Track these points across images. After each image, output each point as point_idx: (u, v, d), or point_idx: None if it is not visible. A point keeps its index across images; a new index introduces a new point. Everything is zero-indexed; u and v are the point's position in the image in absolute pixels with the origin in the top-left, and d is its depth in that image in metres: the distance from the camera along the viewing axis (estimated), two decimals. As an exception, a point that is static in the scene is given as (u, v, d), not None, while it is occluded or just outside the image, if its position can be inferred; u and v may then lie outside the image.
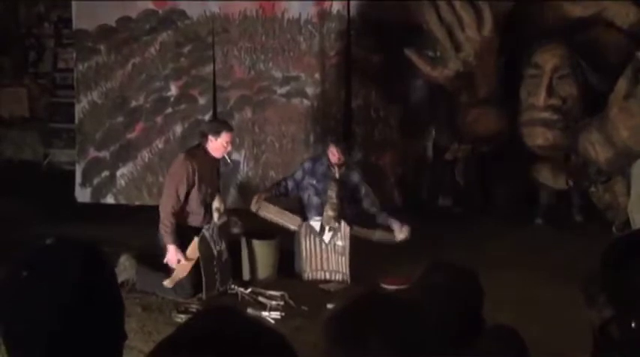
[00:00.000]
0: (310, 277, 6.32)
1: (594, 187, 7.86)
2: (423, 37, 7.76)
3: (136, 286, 5.92)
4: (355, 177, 6.54)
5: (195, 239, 5.83)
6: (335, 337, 1.74)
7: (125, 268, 5.99)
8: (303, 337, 3.92)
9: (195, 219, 6.01)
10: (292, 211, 6.55)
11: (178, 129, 8.34)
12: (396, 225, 6.35)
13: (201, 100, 8.34)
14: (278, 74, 8.28)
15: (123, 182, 8.41)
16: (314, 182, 6.46)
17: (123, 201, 8.41)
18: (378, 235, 6.42)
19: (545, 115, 7.50)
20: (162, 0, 8.28)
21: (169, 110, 8.35)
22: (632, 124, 6.82)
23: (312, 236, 6.32)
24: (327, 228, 6.28)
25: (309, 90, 8.27)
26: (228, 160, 6.61)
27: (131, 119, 8.38)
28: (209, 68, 8.30)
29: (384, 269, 6.16)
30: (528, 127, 7.61)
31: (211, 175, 6.09)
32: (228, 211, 6.36)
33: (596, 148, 7.15)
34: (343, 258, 6.26)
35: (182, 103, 8.34)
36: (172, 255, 5.80)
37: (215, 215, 6.04)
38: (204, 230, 5.90)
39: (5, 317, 1.43)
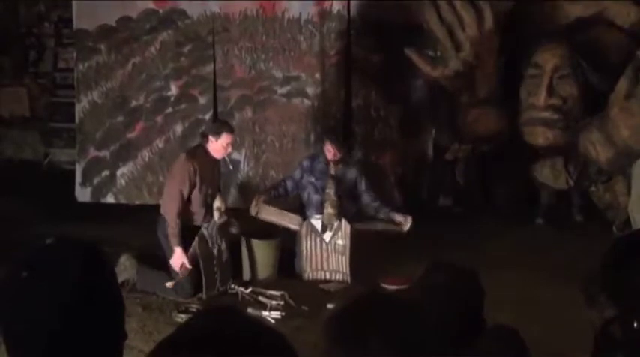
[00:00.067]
0: (310, 277, 6.32)
1: (594, 187, 7.86)
2: (423, 36, 7.76)
3: (136, 286, 5.93)
4: (353, 173, 6.53)
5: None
6: (335, 337, 1.74)
7: (125, 267, 5.99)
8: (303, 337, 3.92)
9: (196, 219, 6.00)
10: (292, 210, 6.56)
11: (179, 128, 8.33)
12: (399, 217, 6.37)
13: (202, 100, 8.34)
14: (278, 74, 8.28)
15: (123, 182, 8.41)
16: (313, 180, 6.46)
17: (123, 201, 8.41)
18: (381, 225, 6.41)
19: (546, 114, 7.49)
20: (162, 0, 8.29)
21: (170, 110, 8.35)
22: (633, 124, 6.82)
23: (312, 235, 6.32)
24: (328, 226, 6.28)
25: (310, 90, 8.27)
26: (229, 163, 6.60)
27: (131, 119, 8.38)
28: (209, 68, 8.29)
29: (385, 269, 6.16)
30: (529, 126, 7.61)
31: (212, 175, 6.09)
32: (228, 211, 6.36)
33: (597, 148, 7.15)
34: (344, 257, 6.26)
35: (182, 103, 8.34)
36: (178, 258, 5.79)
37: (215, 215, 6.04)
38: (202, 229, 5.90)
39: (5, 317, 1.43)
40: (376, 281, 5.94)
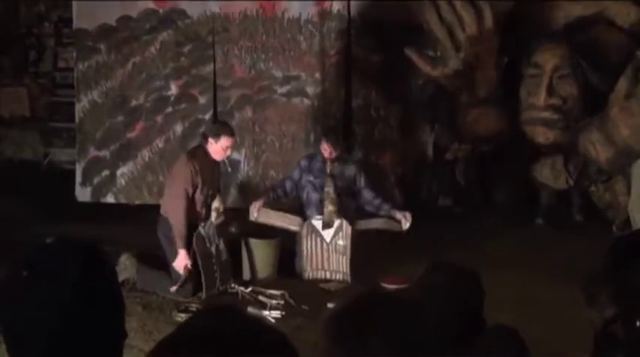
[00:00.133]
0: (311, 277, 6.32)
1: (594, 187, 7.86)
2: (423, 36, 7.76)
3: (136, 285, 5.93)
4: (351, 170, 6.52)
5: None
6: (335, 337, 1.74)
7: (125, 267, 5.99)
8: (303, 337, 3.92)
9: (197, 219, 5.99)
10: (293, 210, 6.55)
11: (179, 128, 8.34)
12: (399, 215, 6.35)
13: (202, 100, 8.34)
14: (278, 74, 8.28)
15: (123, 181, 8.41)
16: (311, 179, 6.46)
17: (123, 200, 8.41)
18: (381, 223, 6.40)
19: (546, 114, 7.49)
20: (162, 0, 8.29)
21: (170, 109, 8.35)
22: (633, 124, 6.82)
23: (313, 235, 6.32)
24: (330, 224, 6.27)
25: (310, 89, 8.27)
26: (227, 165, 6.59)
27: (131, 118, 8.38)
28: (209, 67, 8.30)
29: (385, 269, 6.16)
30: (529, 126, 7.61)
31: (212, 176, 6.07)
32: (229, 211, 6.36)
33: (597, 148, 7.15)
34: (344, 257, 6.26)
35: (182, 103, 8.34)
36: (182, 260, 5.78)
37: (213, 214, 6.03)
38: (200, 228, 5.90)
39: (5, 316, 1.43)
40: (376, 281, 5.93)
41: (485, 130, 7.79)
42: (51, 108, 9.60)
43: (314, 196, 6.43)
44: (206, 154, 5.95)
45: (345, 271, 6.25)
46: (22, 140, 9.63)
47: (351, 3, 8.20)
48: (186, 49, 8.31)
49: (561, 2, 7.78)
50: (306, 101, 8.28)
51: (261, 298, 5.75)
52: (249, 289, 5.90)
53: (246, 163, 8.31)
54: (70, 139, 9.04)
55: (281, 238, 6.38)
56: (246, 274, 6.23)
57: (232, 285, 5.97)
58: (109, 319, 1.47)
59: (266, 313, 5.44)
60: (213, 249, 5.96)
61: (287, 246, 6.39)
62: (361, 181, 6.50)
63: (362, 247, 6.26)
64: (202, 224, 5.93)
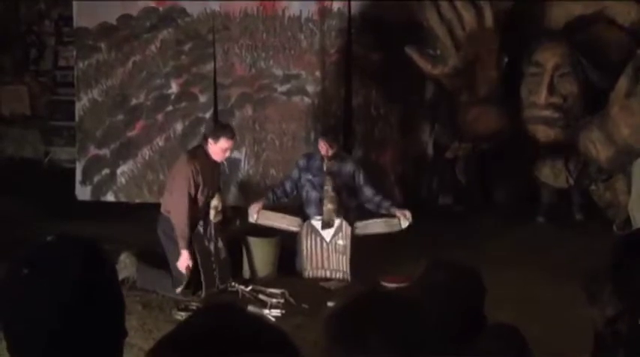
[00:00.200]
0: (311, 275, 6.32)
1: (595, 186, 7.86)
2: (423, 35, 7.75)
3: (136, 284, 5.93)
4: (349, 167, 6.51)
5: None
6: (335, 335, 1.74)
7: (125, 265, 5.99)
8: (303, 335, 3.92)
9: (196, 218, 5.99)
10: (293, 210, 6.55)
11: (179, 127, 8.34)
12: (399, 213, 6.34)
13: (202, 98, 8.34)
14: (279, 72, 8.28)
15: (123, 180, 8.41)
16: (310, 177, 6.46)
17: (123, 199, 8.41)
18: (381, 227, 6.38)
19: (546, 113, 7.49)
20: (162, -2, 8.30)
21: (170, 108, 8.35)
22: (633, 122, 6.82)
23: (313, 235, 6.32)
24: (329, 222, 6.26)
25: (310, 88, 8.27)
26: (226, 167, 6.58)
27: (131, 117, 8.38)
28: (210, 66, 8.30)
29: (385, 268, 6.16)
30: (529, 125, 7.61)
31: (212, 176, 6.06)
32: (230, 209, 6.35)
33: (597, 147, 7.14)
34: (344, 257, 6.26)
35: (183, 101, 8.34)
36: (184, 260, 5.78)
37: (212, 213, 6.03)
38: (198, 226, 5.90)
39: (6, 314, 1.43)
40: (376, 280, 5.93)
41: (486, 129, 7.78)
42: (51, 106, 9.60)
43: (313, 195, 6.43)
44: (206, 154, 5.94)
45: (345, 270, 6.25)
46: (23, 138, 9.63)
47: (352, 2, 8.20)
48: (186, 47, 8.31)
49: (562, 1, 7.78)
50: (307, 100, 8.28)
51: (261, 296, 5.75)
52: (250, 287, 5.91)
53: (246, 162, 8.31)
54: (70, 138, 9.04)
55: (281, 236, 6.38)
56: (247, 273, 6.23)
57: (232, 283, 5.97)
58: (109, 317, 1.47)
59: (266, 311, 5.44)
60: (212, 247, 5.97)
61: (287, 245, 6.39)
62: (360, 179, 6.47)
63: (362, 246, 6.25)
64: (201, 223, 5.93)
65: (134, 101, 8.38)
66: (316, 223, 6.32)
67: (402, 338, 1.70)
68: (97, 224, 6.78)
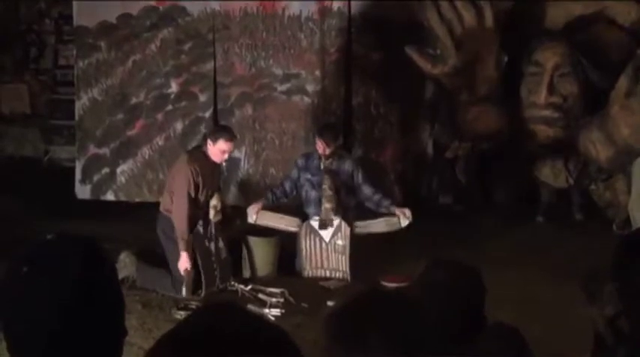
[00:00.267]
0: (310, 275, 6.32)
1: (595, 185, 7.86)
2: (423, 34, 7.75)
3: (136, 283, 5.93)
4: (348, 165, 6.48)
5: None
6: (335, 335, 1.74)
7: (125, 265, 5.99)
8: (303, 334, 3.92)
9: (196, 218, 5.98)
10: (292, 210, 6.54)
11: (179, 126, 8.33)
12: (398, 211, 6.33)
13: (202, 97, 8.33)
14: (278, 71, 8.28)
15: (123, 179, 8.41)
16: (309, 176, 6.45)
17: (123, 198, 8.41)
18: (381, 227, 6.37)
19: (546, 113, 7.49)
20: (162, -3, 8.30)
21: (170, 107, 8.35)
22: (633, 122, 6.82)
23: (312, 235, 6.32)
24: (327, 222, 6.26)
25: (310, 87, 8.27)
26: (224, 169, 6.58)
27: (131, 116, 8.38)
28: (210, 65, 8.29)
29: (384, 267, 6.15)
30: (529, 125, 7.61)
31: (212, 176, 6.06)
32: (231, 209, 6.35)
33: (597, 147, 7.14)
34: (343, 257, 6.26)
35: (182, 100, 8.34)
36: (184, 262, 5.78)
37: (211, 212, 6.03)
38: (198, 226, 5.90)
39: (5, 313, 1.42)
40: (376, 279, 5.93)
41: (486, 129, 7.78)
42: (51, 105, 9.60)
43: (312, 194, 6.42)
44: (206, 155, 5.94)
45: (344, 269, 6.25)
46: (23, 137, 9.63)
47: (352, 1, 8.20)
48: (186, 46, 8.31)
49: (562, 1, 7.78)
50: (307, 99, 8.28)
51: (260, 296, 5.75)
52: (249, 287, 5.90)
53: (246, 161, 8.31)
54: (70, 137, 9.04)
55: (281, 236, 6.38)
56: (246, 272, 6.23)
57: (232, 283, 5.97)
58: (108, 316, 1.46)
59: (266, 311, 5.44)
60: (212, 247, 5.96)
61: (287, 244, 6.39)
62: (359, 177, 6.45)
63: (361, 245, 6.25)
64: (201, 222, 5.93)
65: (134, 100, 8.37)
66: (315, 223, 6.31)
67: (402, 337, 1.70)
68: (97, 223, 6.78)
